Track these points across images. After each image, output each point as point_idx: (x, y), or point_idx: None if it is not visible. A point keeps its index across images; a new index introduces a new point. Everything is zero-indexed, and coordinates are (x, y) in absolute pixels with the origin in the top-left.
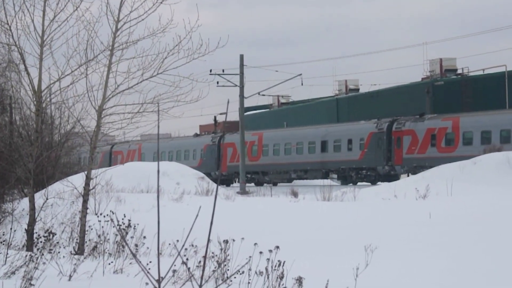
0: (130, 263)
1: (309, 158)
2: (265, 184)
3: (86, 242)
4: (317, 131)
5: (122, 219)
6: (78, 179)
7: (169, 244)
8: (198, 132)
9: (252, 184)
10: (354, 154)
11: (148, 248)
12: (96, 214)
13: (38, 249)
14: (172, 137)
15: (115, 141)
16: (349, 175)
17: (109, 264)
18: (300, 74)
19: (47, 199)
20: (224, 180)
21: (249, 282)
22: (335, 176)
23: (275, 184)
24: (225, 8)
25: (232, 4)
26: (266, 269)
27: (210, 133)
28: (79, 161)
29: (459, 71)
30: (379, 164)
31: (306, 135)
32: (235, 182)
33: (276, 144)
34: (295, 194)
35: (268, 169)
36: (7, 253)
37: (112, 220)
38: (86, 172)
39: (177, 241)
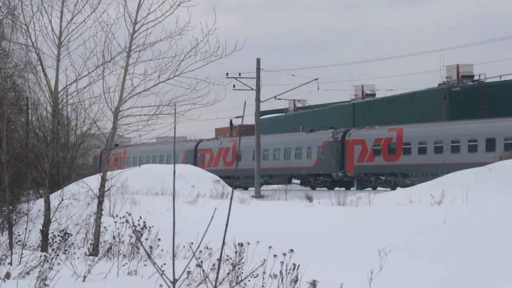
0: (145, 265)
1: (471, 159)
2: (398, 188)
3: (100, 243)
4: (480, 126)
5: (138, 220)
6: (93, 181)
7: (184, 246)
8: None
9: (388, 188)
10: None
11: (162, 250)
12: (111, 215)
13: (53, 250)
14: (281, 133)
15: (201, 138)
16: None
17: (124, 265)
18: (317, 79)
19: (62, 200)
20: (344, 183)
21: (263, 285)
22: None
23: None
24: (242, 12)
25: (250, 8)
26: (280, 272)
27: (328, 128)
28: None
29: (476, 78)
30: None
31: (465, 131)
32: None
33: (422, 142)
34: (309, 199)
35: (410, 171)
36: (22, 253)
37: (127, 221)
38: (101, 174)
39: (192, 243)
